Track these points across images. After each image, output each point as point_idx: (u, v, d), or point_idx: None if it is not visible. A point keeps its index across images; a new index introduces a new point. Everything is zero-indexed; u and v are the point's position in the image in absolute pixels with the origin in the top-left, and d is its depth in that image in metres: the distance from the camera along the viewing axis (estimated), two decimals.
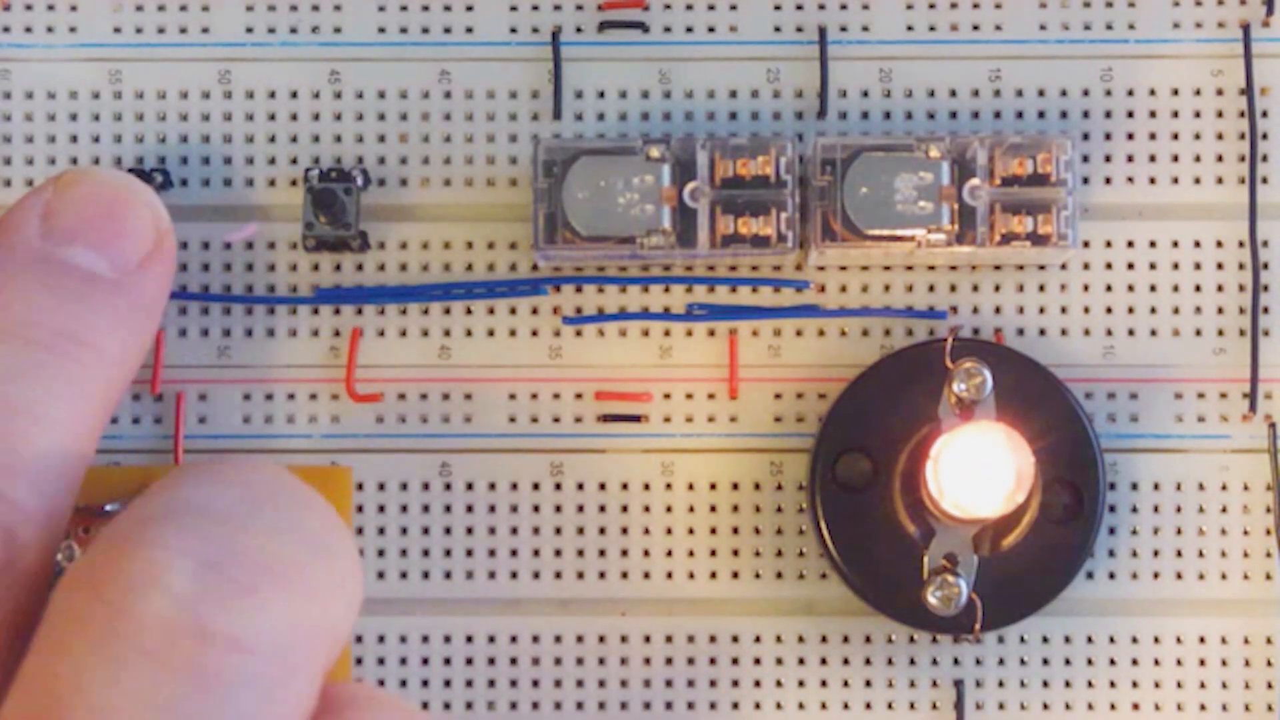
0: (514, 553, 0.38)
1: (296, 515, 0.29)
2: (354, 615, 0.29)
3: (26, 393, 0.30)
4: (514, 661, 0.38)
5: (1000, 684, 0.38)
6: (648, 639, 0.38)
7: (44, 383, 0.31)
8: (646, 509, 0.38)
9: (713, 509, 0.38)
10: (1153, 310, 0.38)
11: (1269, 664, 0.38)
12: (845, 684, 0.38)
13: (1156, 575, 0.38)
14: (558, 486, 0.38)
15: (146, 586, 0.27)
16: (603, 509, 0.38)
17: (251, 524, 0.28)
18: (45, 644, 0.27)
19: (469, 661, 0.38)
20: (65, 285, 0.32)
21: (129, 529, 0.28)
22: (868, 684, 0.38)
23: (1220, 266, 0.38)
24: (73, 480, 0.31)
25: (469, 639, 0.38)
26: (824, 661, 0.38)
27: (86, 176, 0.34)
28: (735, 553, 0.38)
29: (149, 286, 0.33)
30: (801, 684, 0.38)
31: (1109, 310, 0.38)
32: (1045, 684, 0.38)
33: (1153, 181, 0.39)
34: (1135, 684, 0.38)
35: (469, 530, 0.38)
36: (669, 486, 0.38)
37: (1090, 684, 0.38)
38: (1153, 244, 0.39)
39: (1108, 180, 0.39)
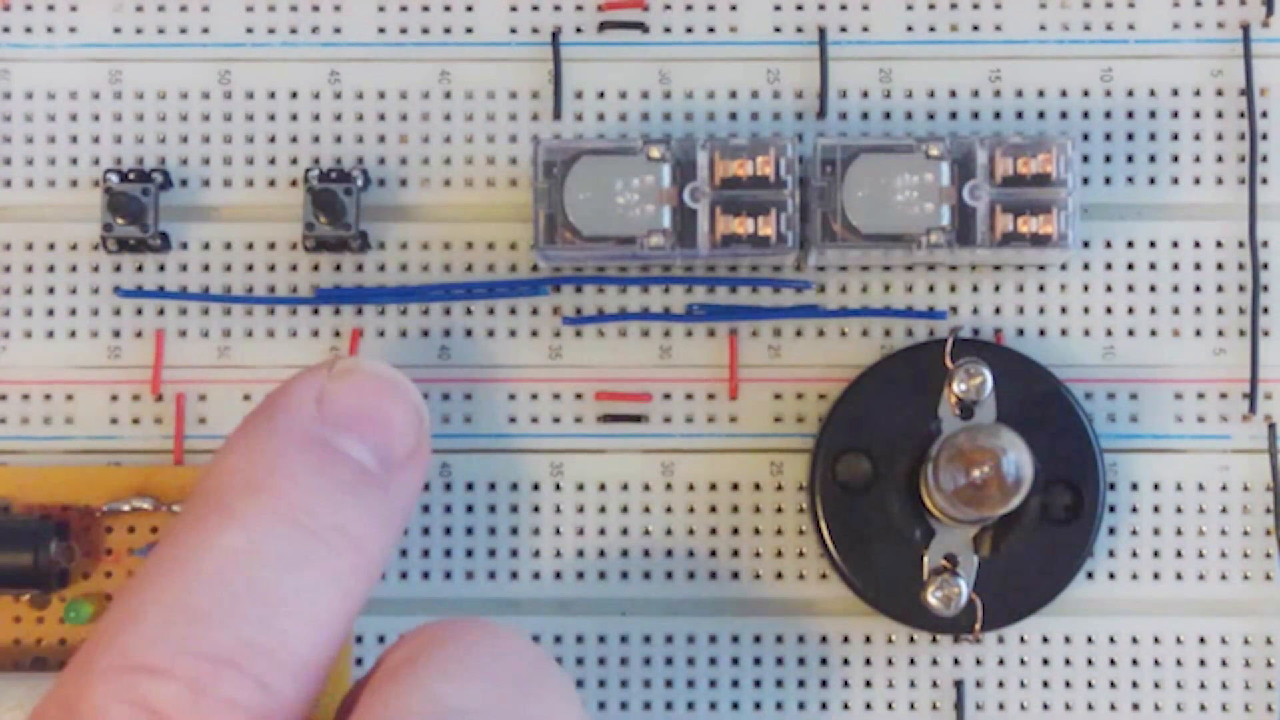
0: (514, 553, 0.38)
1: (542, 708, 0.30)
2: None
3: (300, 583, 0.31)
4: None
5: (1000, 684, 0.38)
6: (648, 639, 0.38)
7: (314, 576, 0.31)
8: (646, 509, 0.38)
9: (713, 509, 0.38)
10: (1153, 310, 0.38)
11: (1269, 664, 0.38)
12: (845, 684, 0.38)
13: (1156, 575, 0.38)
14: (558, 486, 0.38)
15: None
16: (603, 509, 0.38)
17: None
18: None
19: None
20: (339, 475, 0.32)
21: None
22: (868, 684, 0.38)
23: (1220, 266, 0.39)
24: (324, 676, 0.31)
25: None
26: (824, 661, 0.38)
27: (360, 367, 0.34)
28: (735, 553, 0.38)
29: (408, 487, 0.33)
30: (801, 684, 0.38)
31: (1109, 310, 0.38)
32: (1045, 684, 0.38)
33: (1153, 181, 0.39)
34: (1135, 684, 0.38)
35: (469, 530, 0.38)
36: (669, 486, 0.38)
37: (1090, 684, 0.38)
38: (1153, 244, 0.39)
39: (1108, 180, 0.39)
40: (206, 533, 0.31)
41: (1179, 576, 0.38)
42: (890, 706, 0.38)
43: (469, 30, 0.39)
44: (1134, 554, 0.38)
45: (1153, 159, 0.39)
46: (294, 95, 0.39)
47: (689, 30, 0.39)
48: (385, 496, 0.33)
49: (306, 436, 0.32)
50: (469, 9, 0.39)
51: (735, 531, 0.38)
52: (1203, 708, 0.38)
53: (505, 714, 0.29)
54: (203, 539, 0.31)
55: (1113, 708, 0.38)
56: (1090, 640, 0.38)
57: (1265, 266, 0.38)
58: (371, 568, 0.32)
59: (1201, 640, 0.38)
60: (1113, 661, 0.38)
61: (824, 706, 0.38)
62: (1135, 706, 0.38)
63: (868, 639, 0.38)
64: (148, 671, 0.29)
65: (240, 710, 0.29)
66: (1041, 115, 0.39)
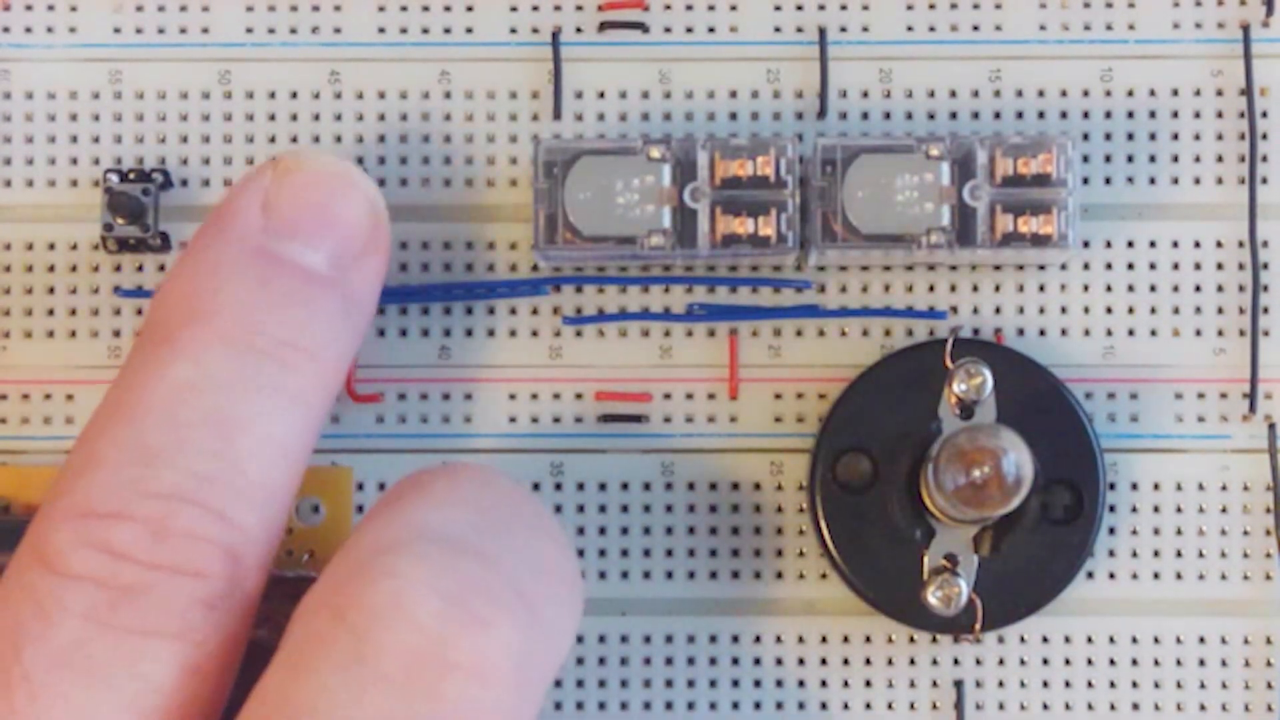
0: None
1: (528, 540, 0.30)
2: (576, 628, 0.30)
3: (251, 407, 0.30)
4: None
5: (1000, 684, 0.38)
6: (648, 639, 0.38)
7: (267, 396, 0.30)
8: (646, 509, 0.38)
9: (713, 509, 0.38)
10: (1153, 310, 0.38)
11: (1269, 664, 0.38)
12: (845, 684, 0.38)
13: (1156, 575, 0.38)
14: (558, 486, 0.38)
15: (392, 616, 0.27)
16: (603, 509, 0.38)
17: (488, 553, 0.29)
18: (288, 664, 0.28)
19: None
20: (286, 286, 0.31)
21: (370, 556, 0.28)
22: (868, 684, 0.38)
23: (1220, 266, 0.39)
24: (289, 496, 0.31)
25: None
26: (824, 661, 0.38)
27: (305, 163, 0.33)
28: (735, 553, 0.38)
29: (364, 282, 0.32)
30: (801, 684, 0.38)
31: (1109, 310, 0.38)
32: (1045, 684, 0.38)
33: (1153, 181, 0.39)
34: (1135, 684, 0.38)
35: None
36: (669, 486, 0.38)
37: (1090, 684, 0.38)
38: (1153, 244, 0.39)
39: (1108, 180, 0.39)
40: (154, 367, 0.30)
41: (1179, 576, 0.38)
42: (890, 706, 0.38)
43: (469, 30, 0.39)
44: (1134, 554, 0.38)
45: (1153, 159, 0.39)
46: (294, 95, 0.39)
47: (689, 30, 0.39)
48: (338, 298, 0.32)
49: (250, 249, 0.31)
50: (469, 9, 0.39)
51: (735, 531, 0.38)
52: (1203, 708, 0.38)
53: (484, 540, 0.29)
54: (150, 374, 0.30)
55: (1113, 708, 0.38)
56: (1090, 640, 0.38)
57: (1265, 266, 0.38)
58: (330, 375, 0.31)
59: (1201, 640, 0.38)
60: (1113, 661, 0.38)
61: (824, 706, 0.38)
62: (1135, 706, 0.38)
63: (868, 639, 0.38)
64: (106, 516, 0.29)
65: (202, 542, 0.29)
66: (1041, 115, 0.39)
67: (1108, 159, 0.39)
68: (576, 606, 0.31)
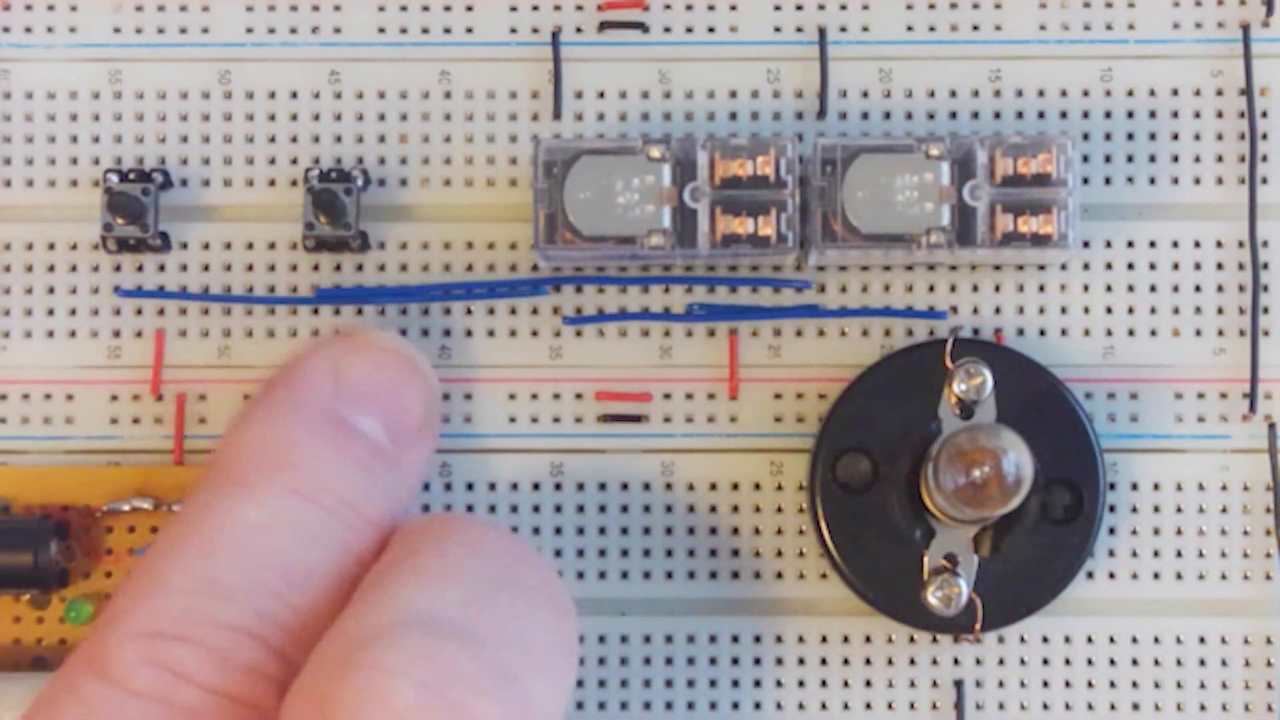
0: None
1: (520, 609, 0.30)
2: (569, 692, 0.30)
3: (313, 557, 0.31)
4: None
5: (1000, 684, 0.38)
6: (648, 639, 0.38)
7: (329, 550, 0.32)
8: (646, 509, 0.38)
9: (713, 509, 0.38)
10: (1153, 310, 0.38)
11: (1269, 664, 0.38)
12: (845, 684, 0.38)
13: (1156, 575, 0.38)
14: (558, 486, 0.38)
15: (371, 710, 0.28)
16: (603, 509, 0.38)
17: (473, 634, 0.29)
18: None
19: None
20: (353, 452, 0.33)
21: (352, 648, 0.29)
22: (868, 684, 0.38)
23: (1220, 266, 0.39)
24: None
25: None
26: (824, 661, 0.38)
27: (377, 341, 0.35)
28: (735, 553, 0.38)
29: (415, 463, 0.34)
30: (801, 684, 0.38)
31: (1109, 310, 0.38)
32: (1045, 684, 0.38)
33: (1153, 181, 0.39)
34: (1135, 684, 0.38)
35: None
36: (669, 486, 0.38)
37: (1090, 684, 0.38)
38: (1153, 244, 0.39)
39: (1108, 180, 0.39)
40: (226, 505, 0.31)
41: (1179, 576, 0.38)
42: (890, 706, 0.38)
43: (469, 30, 0.39)
44: (1134, 554, 0.38)
45: (1153, 159, 0.39)
46: (294, 95, 0.39)
47: (689, 30, 0.39)
48: (397, 472, 0.33)
49: (323, 412, 0.33)
50: (469, 9, 0.39)
51: (735, 531, 0.38)
52: (1203, 708, 0.38)
53: (470, 618, 0.29)
54: (222, 511, 0.31)
55: (1113, 708, 0.38)
56: (1090, 640, 0.38)
57: (1265, 266, 0.38)
58: (378, 540, 0.33)
59: (1201, 640, 0.38)
60: (1113, 661, 0.38)
61: (824, 706, 0.38)
62: (1135, 706, 0.38)
63: (868, 639, 0.38)
64: (172, 638, 0.29)
65: (261, 677, 0.30)
66: (1041, 115, 0.39)
67: (1108, 159, 0.39)
68: (569, 676, 0.31)
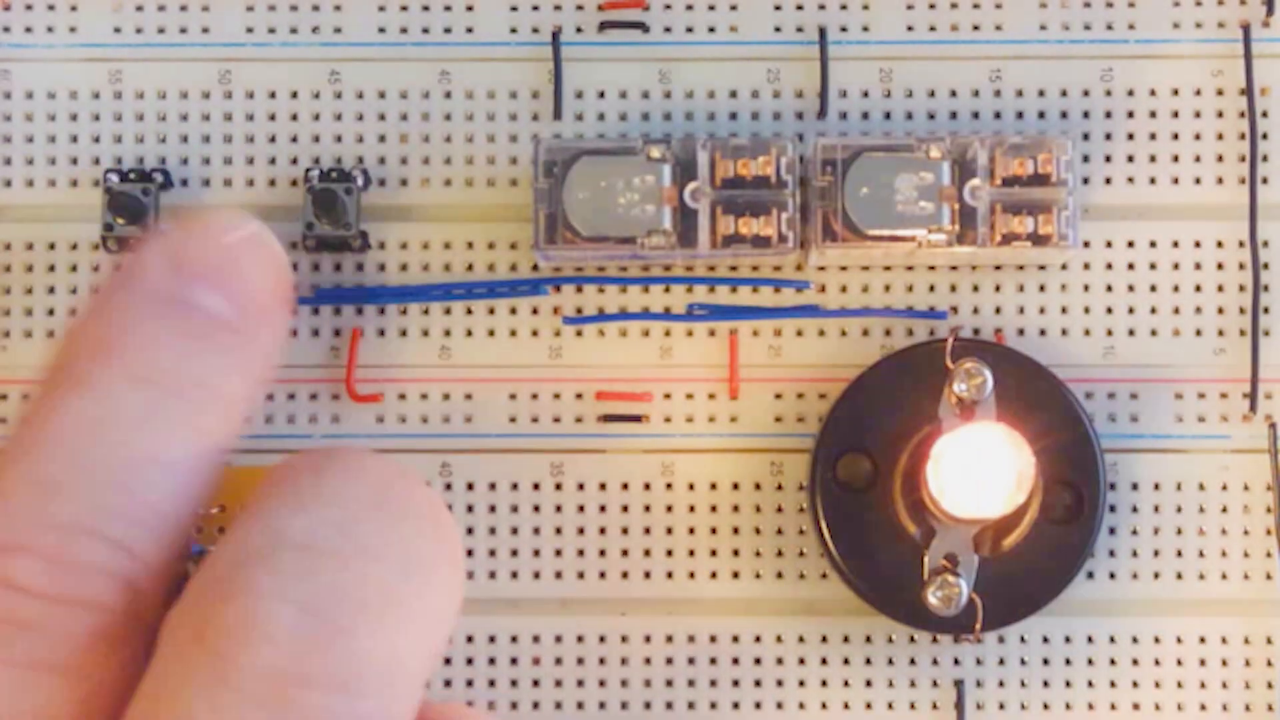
0: (514, 553, 0.38)
1: (395, 533, 0.29)
2: (453, 623, 0.30)
3: (153, 440, 0.30)
4: (514, 661, 0.38)
5: (1000, 684, 0.38)
6: (648, 639, 0.38)
7: (170, 430, 0.30)
8: (646, 509, 0.38)
9: (713, 509, 0.38)
10: (1153, 310, 0.38)
11: (1269, 664, 0.38)
12: (845, 684, 0.38)
13: (1156, 575, 0.38)
14: (558, 486, 0.38)
15: (250, 636, 0.27)
16: (603, 509, 0.38)
17: (348, 555, 0.28)
18: (153, 690, 0.28)
19: (469, 661, 0.38)
20: (190, 328, 0.32)
21: (228, 571, 0.28)
22: (868, 684, 0.38)
23: (1220, 266, 0.39)
24: (189, 528, 0.31)
25: (469, 639, 0.38)
26: (824, 661, 0.38)
27: (214, 220, 0.33)
28: (735, 553, 0.38)
29: (268, 330, 0.33)
30: (801, 684, 0.38)
31: (1109, 310, 0.38)
32: (1045, 684, 0.38)
33: (1153, 181, 0.39)
34: (1135, 684, 0.38)
35: (470, 530, 0.38)
36: (669, 486, 0.38)
37: (1090, 684, 0.38)
38: (1153, 244, 0.39)
39: (1108, 180, 0.39)
40: (56, 401, 0.30)
41: (1179, 576, 0.38)
42: (890, 706, 0.38)
43: (469, 30, 0.39)
44: (1134, 554, 0.38)
45: (1153, 159, 0.39)
46: (294, 95, 0.39)
47: (689, 30, 0.39)
48: (243, 342, 0.32)
49: (158, 294, 0.32)
50: (469, 9, 0.39)
51: (735, 531, 0.38)
52: (1203, 708, 0.38)
53: (346, 540, 0.28)
54: (54, 409, 0.30)
55: (1113, 708, 0.38)
56: (1090, 640, 0.38)
57: (1265, 266, 0.38)
58: (232, 415, 0.32)
59: (1201, 640, 0.38)
60: (1113, 661, 0.38)
61: (824, 706, 0.38)
62: (1135, 706, 0.38)
63: (868, 639, 0.38)
64: (5, 549, 0.29)
65: (100, 574, 0.29)
66: (1041, 115, 0.39)
67: (1108, 159, 0.39)
68: (455, 593, 0.30)
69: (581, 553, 0.38)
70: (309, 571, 0.28)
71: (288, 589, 0.27)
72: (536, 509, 0.38)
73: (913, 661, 0.38)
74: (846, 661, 0.38)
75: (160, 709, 0.27)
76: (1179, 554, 0.38)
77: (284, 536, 0.28)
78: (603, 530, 0.38)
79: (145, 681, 0.28)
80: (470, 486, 0.38)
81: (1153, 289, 0.38)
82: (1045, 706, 0.38)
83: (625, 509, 0.38)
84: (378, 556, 0.29)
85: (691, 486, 0.38)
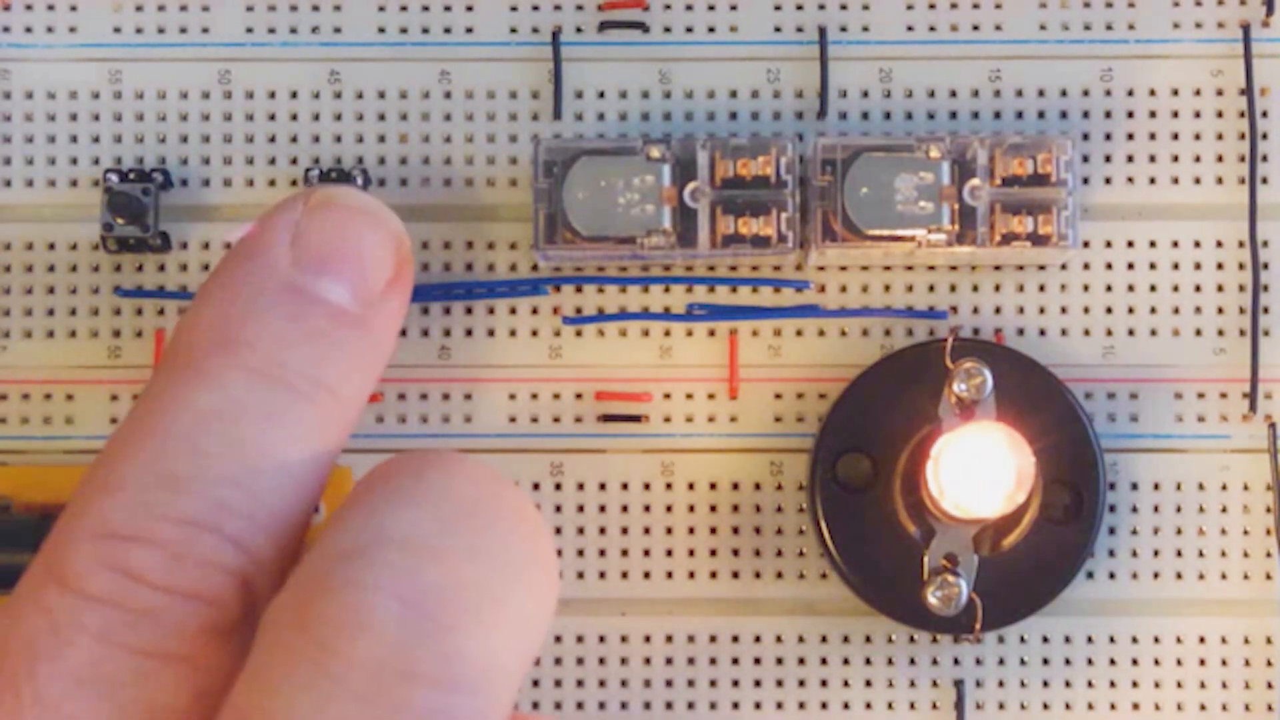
0: None
1: (494, 534, 0.29)
2: (547, 625, 0.30)
3: (272, 438, 0.30)
4: None
5: (1000, 684, 0.38)
6: (648, 639, 0.38)
7: (289, 428, 0.30)
8: (646, 509, 0.38)
9: (713, 509, 0.38)
10: (1153, 310, 0.38)
11: (1269, 664, 0.38)
12: (845, 684, 0.38)
13: (1156, 575, 0.38)
14: (558, 486, 0.38)
15: (354, 629, 0.27)
16: (603, 509, 0.38)
17: (452, 554, 0.28)
18: (254, 680, 0.28)
19: None
20: (313, 321, 0.31)
21: (331, 566, 0.28)
22: (868, 684, 0.38)
23: (1220, 266, 0.39)
24: (303, 528, 0.31)
25: None
26: (824, 661, 0.38)
27: (335, 199, 0.33)
28: (735, 553, 0.38)
29: (387, 321, 0.33)
30: (801, 684, 0.38)
31: (1109, 310, 0.38)
32: (1045, 684, 0.38)
33: (1153, 181, 0.39)
34: (1135, 684, 0.38)
35: None
36: (669, 486, 0.38)
37: (1090, 684, 0.38)
38: (1153, 244, 0.39)
39: (1108, 180, 0.39)
40: (179, 393, 0.30)
41: (1179, 576, 0.38)
42: (890, 706, 0.38)
43: (469, 30, 0.39)
44: (1134, 554, 0.38)
45: (1153, 159, 0.39)
46: (294, 95, 0.39)
47: (689, 30, 0.39)
48: (363, 335, 0.32)
49: (280, 283, 0.32)
50: (469, 9, 0.39)
51: (735, 531, 0.38)
52: (1203, 708, 0.38)
53: (448, 539, 0.29)
54: (175, 400, 0.30)
55: (1113, 708, 0.38)
56: (1090, 640, 0.38)
57: (1265, 266, 0.38)
58: (349, 412, 0.32)
59: (1201, 640, 0.38)
60: (1113, 661, 0.38)
61: (824, 706, 0.38)
62: (1135, 706, 0.38)
63: (868, 639, 0.38)
64: (126, 538, 0.29)
65: (218, 570, 0.29)
66: (1041, 115, 0.39)
67: (1108, 159, 0.39)
68: (548, 594, 0.30)
69: (581, 553, 0.38)
70: (413, 568, 0.28)
71: (392, 584, 0.28)
72: (536, 509, 0.38)
73: (913, 661, 0.38)
74: (846, 661, 0.38)
75: (261, 698, 0.27)
76: (1179, 554, 0.38)
77: (387, 533, 0.28)
78: (603, 530, 0.38)
79: (246, 670, 0.28)
80: None
81: (1153, 289, 0.38)
82: (1045, 706, 0.38)
83: (625, 509, 0.38)
84: (478, 557, 0.29)
85: (691, 486, 0.38)
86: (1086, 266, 0.39)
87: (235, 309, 0.31)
